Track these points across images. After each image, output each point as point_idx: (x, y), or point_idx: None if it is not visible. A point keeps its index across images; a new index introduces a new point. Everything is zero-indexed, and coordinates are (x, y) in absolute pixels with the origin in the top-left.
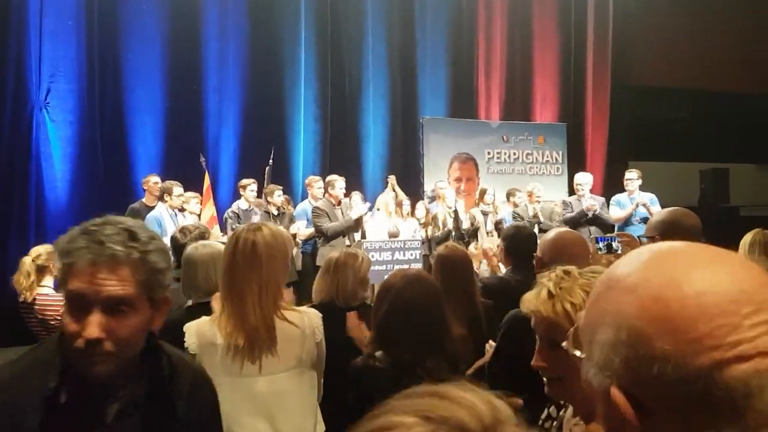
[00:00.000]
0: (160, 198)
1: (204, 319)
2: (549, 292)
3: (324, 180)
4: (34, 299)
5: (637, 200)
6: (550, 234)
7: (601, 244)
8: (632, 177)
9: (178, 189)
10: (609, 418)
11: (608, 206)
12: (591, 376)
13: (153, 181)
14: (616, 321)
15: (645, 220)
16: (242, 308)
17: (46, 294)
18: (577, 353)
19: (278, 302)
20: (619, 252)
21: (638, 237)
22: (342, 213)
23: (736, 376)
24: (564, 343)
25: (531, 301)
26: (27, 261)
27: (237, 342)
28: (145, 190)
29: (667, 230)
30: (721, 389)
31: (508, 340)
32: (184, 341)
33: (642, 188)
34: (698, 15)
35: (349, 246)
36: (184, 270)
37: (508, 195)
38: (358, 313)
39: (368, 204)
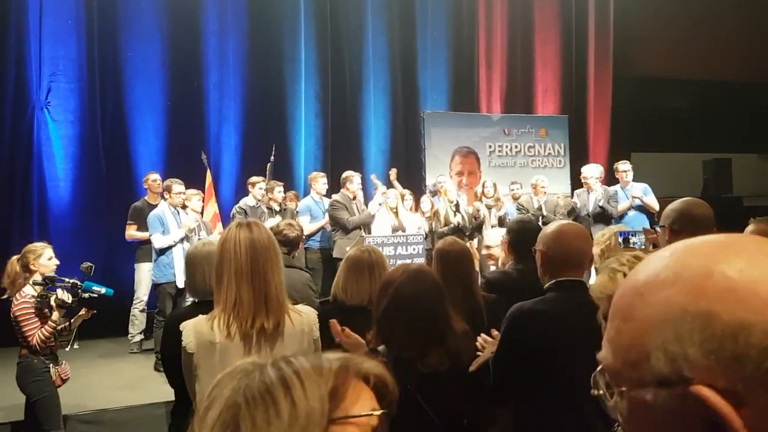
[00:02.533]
0: (162, 196)
1: (200, 317)
2: (609, 275)
3: (331, 176)
4: (13, 298)
5: (631, 194)
6: (551, 226)
7: (620, 239)
8: (626, 169)
9: (177, 186)
10: None
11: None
12: (650, 400)
13: (152, 178)
14: (668, 318)
15: (639, 208)
16: (249, 306)
17: (24, 293)
18: (616, 391)
19: (284, 300)
20: (642, 247)
21: (644, 227)
22: (356, 207)
23: None
24: (594, 392)
25: (595, 289)
26: (11, 260)
27: (239, 340)
28: (146, 188)
29: (677, 219)
30: None
31: (511, 333)
32: (182, 339)
33: (642, 179)
34: (699, 5)
35: (363, 237)
36: (186, 269)
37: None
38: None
39: (379, 200)
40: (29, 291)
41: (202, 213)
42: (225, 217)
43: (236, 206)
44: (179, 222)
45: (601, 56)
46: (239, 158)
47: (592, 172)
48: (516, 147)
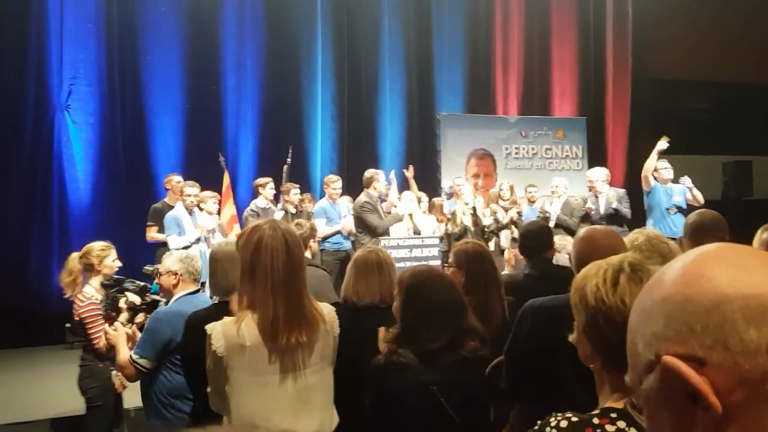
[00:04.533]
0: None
1: (227, 320)
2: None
3: (347, 178)
4: (75, 297)
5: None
6: (581, 232)
7: None
8: (664, 166)
9: (189, 189)
10: (669, 400)
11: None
12: (647, 388)
13: (175, 180)
14: (643, 311)
15: (680, 210)
16: (285, 322)
17: (87, 294)
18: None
19: (311, 299)
20: None
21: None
22: (382, 208)
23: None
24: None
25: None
26: (73, 257)
27: (270, 341)
28: (167, 190)
29: (687, 230)
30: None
31: (522, 332)
32: (211, 343)
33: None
34: (718, 6)
35: (378, 239)
36: (209, 268)
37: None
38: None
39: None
40: (91, 292)
41: (219, 215)
42: (241, 220)
43: (248, 208)
44: (196, 223)
45: (619, 57)
46: (256, 161)
47: (598, 175)
48: (533, 149)
